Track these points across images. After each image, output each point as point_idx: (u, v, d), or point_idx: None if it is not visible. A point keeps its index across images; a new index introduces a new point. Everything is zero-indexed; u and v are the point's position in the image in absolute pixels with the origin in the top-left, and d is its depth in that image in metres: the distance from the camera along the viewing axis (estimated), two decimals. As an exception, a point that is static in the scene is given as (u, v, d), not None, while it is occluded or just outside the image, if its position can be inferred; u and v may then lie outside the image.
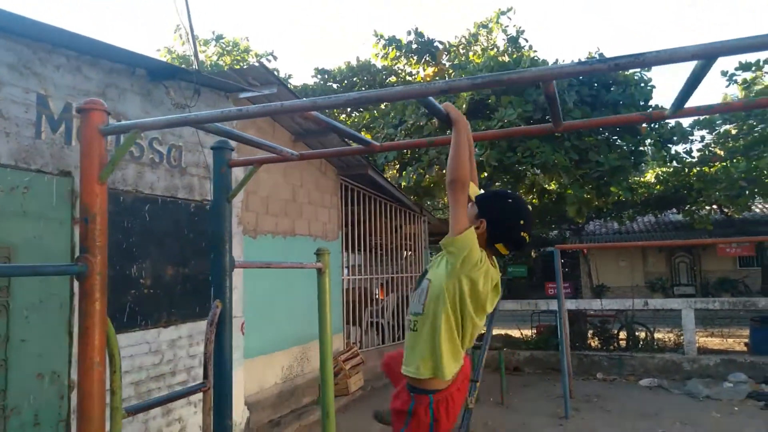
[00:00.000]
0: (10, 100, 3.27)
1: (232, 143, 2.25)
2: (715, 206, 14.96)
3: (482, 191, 2.09)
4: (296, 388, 6.65)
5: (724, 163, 11.43)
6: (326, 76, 14.36)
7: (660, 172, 18.36)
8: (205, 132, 5.14)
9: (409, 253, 10.41)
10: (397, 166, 12.74)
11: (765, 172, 10.18)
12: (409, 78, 14.59)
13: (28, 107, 3.39)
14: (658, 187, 17.91)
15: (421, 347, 1.85)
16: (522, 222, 1.90)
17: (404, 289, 9.99)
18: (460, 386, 1.93)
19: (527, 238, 1.90)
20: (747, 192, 12.12)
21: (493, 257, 1.95)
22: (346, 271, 8.75)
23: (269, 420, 6.00)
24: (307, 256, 7.17)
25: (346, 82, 14.01)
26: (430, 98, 1.64)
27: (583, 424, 5.92)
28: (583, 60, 1.06)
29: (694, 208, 17.14)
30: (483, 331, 7.73)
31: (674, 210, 22.42)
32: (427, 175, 10.57)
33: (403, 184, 10.50)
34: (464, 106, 10.11)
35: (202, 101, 4.85)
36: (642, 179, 18.70)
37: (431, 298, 1.85)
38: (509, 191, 1.98)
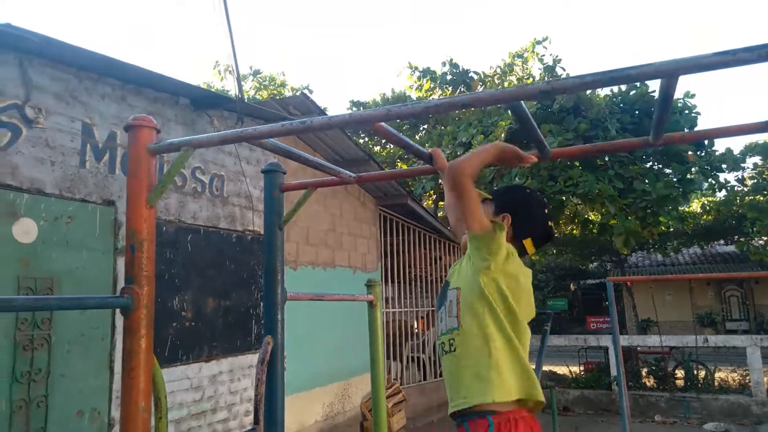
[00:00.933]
0: (56, 129, 3.23)
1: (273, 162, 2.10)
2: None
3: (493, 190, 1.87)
4: (336, 427, 6.38)
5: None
6: (361, 108, 14.43)
7: (707, 202, 17.71)
8: (247, 161, 5.09)
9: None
10: (434, 196, 12.59)
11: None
12: (445, 109, 14.52)
13: (74, 136, 3.35)
14: (705, 217, 17.25)
15: (470, 367, 1.49)
16: (546, 211, 1.71)
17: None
18: (533, 426, 1.49)
19: (553, 230, 1.70)
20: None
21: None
22: (384, 303, 8.50)
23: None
24: (348, 288, 7.01)
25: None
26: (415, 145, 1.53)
27: (647, 473, 5.45)
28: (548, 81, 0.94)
29: (747, 238, 16.35)
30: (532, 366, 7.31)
31: (722, 241, 21.56)
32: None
33: (440, 214, 10.30)
34: (503, 135, 9.94)
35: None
36: (687, 209, 18.06)
37: (466, 307, 1.53)
38: (523, 185, 1.71)
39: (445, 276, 1.73)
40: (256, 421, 1.90)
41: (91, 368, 3.36)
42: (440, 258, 9.65)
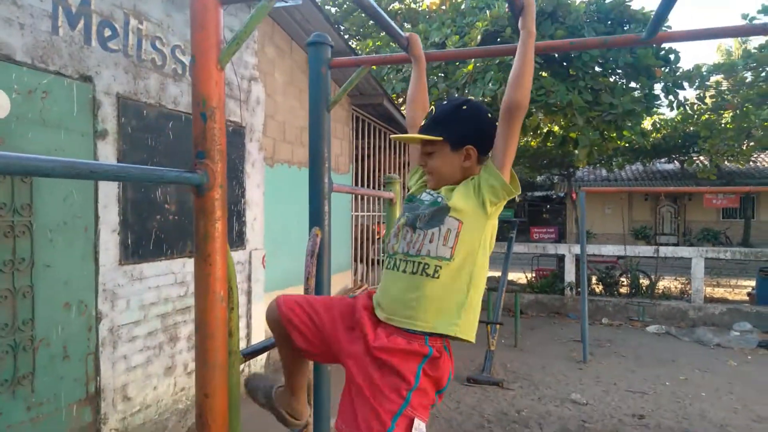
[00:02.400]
0: (24, -15, 2.74)
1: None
2: (712, 157, 14.87)
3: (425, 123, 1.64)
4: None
5: (737, 111, 11.20)
6: None
7: (658, 119, 18.19)
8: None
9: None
10: (400, 99, 12.24)
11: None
12: (414, 5, 13.83)
13: (44, -4, 2.87)
14: (655, 134, 17.78)
15: (449, 301, 1.43)
16: (491, 116, 1.55)
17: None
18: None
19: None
20: (753, 143, 12.03)
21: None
22: (353, 207, 8.42)
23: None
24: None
25: (346, 5, 13.18)
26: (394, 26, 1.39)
27: (603, 369, 5.89)
28: None
29: (695, 156, 17.03)
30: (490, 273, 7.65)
31: (663, 159, 22.50)
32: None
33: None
34: (478, 37, 9.59)
35: (227, 11, 4.31)
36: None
37: (464, 244, 1.43)
38: (456, 97, 1.62)
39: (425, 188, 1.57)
40: (307, 316, 1.80)
41: (76, 259, 3.12)
42: (409, 163, 9.54)
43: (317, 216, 1.81)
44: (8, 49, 2.70)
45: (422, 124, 1.64)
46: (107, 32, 3.26)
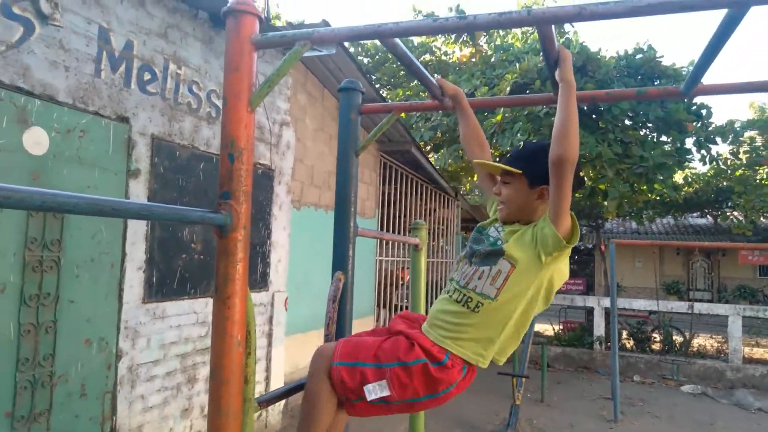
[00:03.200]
0: (71, 30, 2.88)
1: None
2: (747, 212, 14.48)
3: (499, 161, 1.72)
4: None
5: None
6: (359, 49, 13.89)
7: (689, 173, 17.92)
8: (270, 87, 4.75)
9: (442, 241, 10.03)
10: (428, 147, 12.35)
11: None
12: (444, 57, 14.10)
13: (89, 40, 3.00)
14: (687, 188, 17.48)
15: (483, 331, 1.50)
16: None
17: (433, 274, 9.64)
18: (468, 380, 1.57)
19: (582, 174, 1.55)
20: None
21: None
22: (378, 251, 8.39)
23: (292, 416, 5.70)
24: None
25: (378, 56, 13.52)
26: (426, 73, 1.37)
27: (635, 430, 5.59)
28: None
29: (729, 211, 16.64)
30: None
31: (695, 213, 22.04)
32: (465, 158, 10.18)
33: (438, 166, 10.11)
34: (507, 88, 9.69)
35: (263, 58, 4.46)
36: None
37: (511, 290, 1.48)
38: (546, 141, 1.56)
39: (441, 237, 1.61)
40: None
41: (100, 296, 3.14)
42: (434, 210, 9.53)
43: (342, 260, 1.78)
44: (52, 90, 2.80)
45: (506, 156, 1.76)
46: (147, 76, 3.38)
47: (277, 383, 4.86)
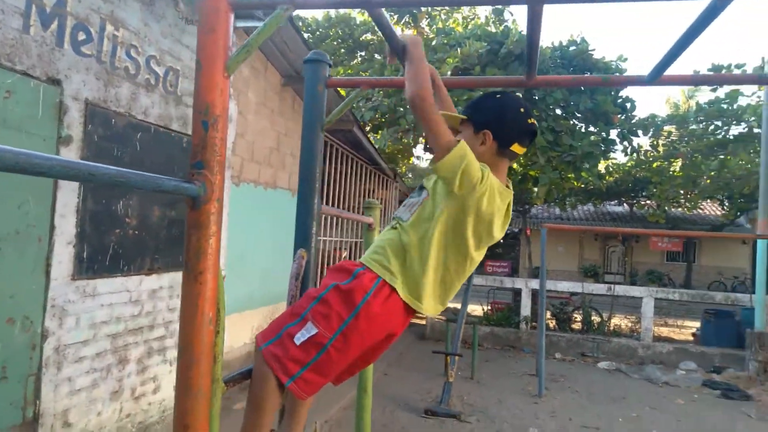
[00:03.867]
0: (-5, -21, 2.61)
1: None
2: (661, 202, 15.53)
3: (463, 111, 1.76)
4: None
5: (686, 161, 11.76)
6: (300, 24, 13.54)
7: (610, 164, 18.94)
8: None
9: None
10: (367, 127, 12.30)
11: (725, 174, 10.53)
12: (384, 38, 14.00)
13: (16, -8, 2.73)
14: (608, 177, 18.49)
15: (394, 250, 1.54)
16: (523, 110, 1.63)
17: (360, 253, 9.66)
18: (404, 322, 1.57)
19: (535, 124, 1.66)
20: (698, 191, 12.65)
21: (507, 178, 1.68)
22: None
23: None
24: (286, 211, 6.72)
25: (320, 32, 13.25)
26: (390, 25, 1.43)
27: (558, 404, 5.92)
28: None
29: (643, 201, 17.77)
30: (459, 306, 7.62)
31: (613, 201, 23.39)
32: (404, 140, 10.23)
33: (378, 146, 10.11)
34: (448, 72, 9.80)
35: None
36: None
37: (422, 214, 1.55)
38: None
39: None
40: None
41: (26, 271, 2.92)
42: (373, 191, 9.55)
43: (304, 237, 1.74)
44: (-28, 43, 2.54)
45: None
46: (81, 36, 3.13)
47: (212, 363, 4.74)
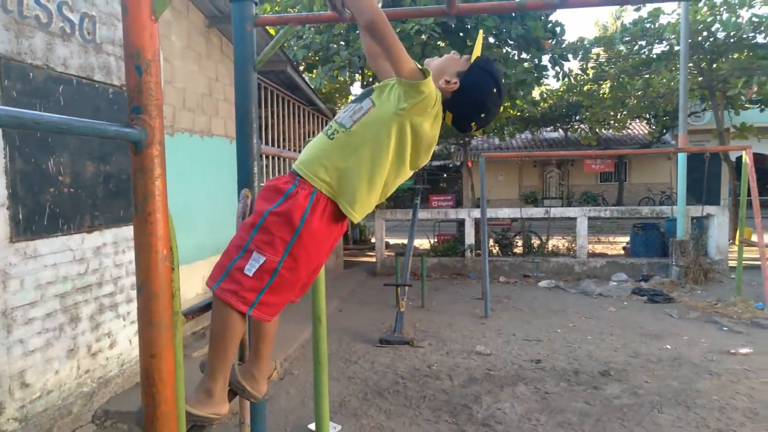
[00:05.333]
0: None
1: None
2: (592, 125, 16.13)
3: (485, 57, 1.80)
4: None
5: (614, 82, 12.19)
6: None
7: (544, 90, 19.35)
8: None
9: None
10: (301, 67, 12.00)
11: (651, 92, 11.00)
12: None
13: None
14: (542, 104, 18.95)
15: (331, 158, 1.59)
16: (483, 116, 1.73)
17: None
18: (343, 225, 1.68)
19: (473, 129, 1.76)
20: (626, 112, 13.20)
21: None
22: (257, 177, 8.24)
23: (192, 332, 5.67)
24: (225, 159, 6.63)
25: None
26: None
27: (503, 323, 6.34)
28: None
29: (576, 125, 18.36)
30: (401, 241, 7.83)
31: (549, 128, 24.09)
32: (340, 78, 10.09)
33: (313, 86, 9.94)
34: (379, 3, 9.60)
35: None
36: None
37: (366, 124, 1.59)
38: (504, 81, 1.78)
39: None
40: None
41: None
42: (313, 133, 9.46)
43: (246, 177, 1.79)
44: None
45: None
46: (-18, -17, 2.92)
47: (167, 314, 4.77)
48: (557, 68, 11.33)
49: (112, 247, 4.12)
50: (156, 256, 1.21)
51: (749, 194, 6.59)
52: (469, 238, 9.49)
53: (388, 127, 1.57)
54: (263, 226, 1.51)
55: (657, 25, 11.57)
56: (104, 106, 3.97)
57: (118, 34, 4.15)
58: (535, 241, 10.09)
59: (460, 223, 10.37)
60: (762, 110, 13.02)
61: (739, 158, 15.18)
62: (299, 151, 9.19)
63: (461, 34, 10.62)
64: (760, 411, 3.79)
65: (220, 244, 6.07)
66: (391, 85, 1.63)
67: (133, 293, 4.39)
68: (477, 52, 1.75)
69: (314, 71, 11.03)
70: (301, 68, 11.84)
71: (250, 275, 1.50)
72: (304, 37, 10.20)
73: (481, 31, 1.76)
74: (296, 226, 1.51)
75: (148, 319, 1.21)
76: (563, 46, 11.20)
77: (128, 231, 4.31)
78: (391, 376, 4.63)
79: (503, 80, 1.75)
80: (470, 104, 1.70)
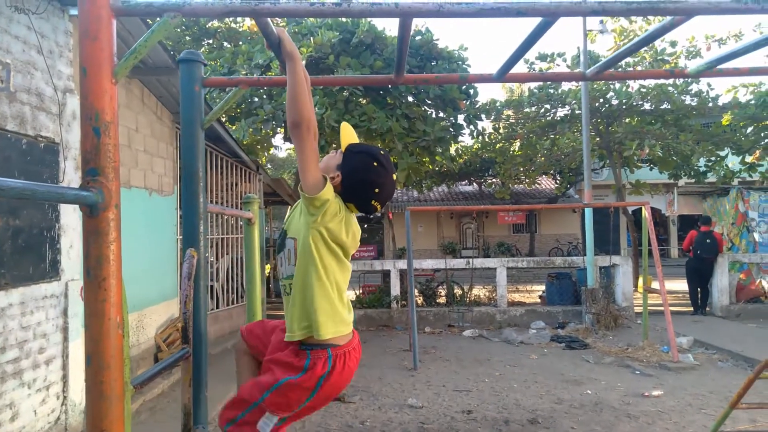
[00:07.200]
0: None
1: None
2: (505, 180, 17.04)
3: (357, 142, 1.87)
4: (131, 359, 5.90)
5: (524, 141, 13.06)
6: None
7: (459, 147, 20.33)
8: (38, 50, 4.17)
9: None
10: (223, 119, 11.87)
11: (560, 150, 11.87)
12: (234, 25, 13.61)
13: None
14: (458, 160, 19.85)
15: (298, 308, 1.68)
16: (377, 191, 1.74)
17: (238, 250, 9.48)
18: (356, 348, 1.79)
19: (378, 207, 1.79)
20: (534, 168, 14.12)
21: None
22: (178, 229, 7.95)
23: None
24: (144, 211, 6.36)
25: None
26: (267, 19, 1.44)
27: (432, 374, 6.37)
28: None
29: (490, 180, 19.34)
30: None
31: (465, 182, 25.17)
32: (264, 130, 10.08)
33: (236, 137, 9.85)
34: (303, 62, 9.82)
35: (37, 13, 3.87)
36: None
37: (302, 256, 1.67)
38: (382, 152, 1.78)
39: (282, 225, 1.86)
40: (185, 341, 1.72)
41: None
42: (236, 184, 9.32)
43: (193, 236, 1.76)
44: None
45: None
46: None
47: (76, 380, 4.40)
48: (472, 127, 11.98)
49: (18, 308, 3.79)
50: (108, 323, 1.15)
51: (649, 244, 7.17)
52: (395, 289, 9.57)
53: (312, 244, 1.64)
54: (278, 390, 1.63)
55: (560, 91, 12.63)
56: (16, 156, 3.74)
57: (35, 83, 3.98)
58: (458, 291, 10.33)
59: (385, 275, 10.44)
60: (651, 169, 14.38)
61: (635, 211, 16.59)
62: (222, 204, 9.02)
63: (381, 92, 11.03)
64: (674, 450, 4.03)
65: (132, 301, 5.69)
66: (297, 207, 1.74)
67: (41, 358, 4.03)
68: (345, 141, 1.80)
69: (236, 123, 10.96)
70: (224, 119, 11.74)
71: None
72: (227, 90, 10.18)
73: (344, 123, 1.83)
74: (313, 389, 1.63)
75: (99, 392, 1.14)
76: (477, 106, 11.91)
77: (38, 290, 3.99)
78: (322, 436, 4.49)
79: (381, 152, 1.78)
80: (359, 187, 1.73)
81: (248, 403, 1.64)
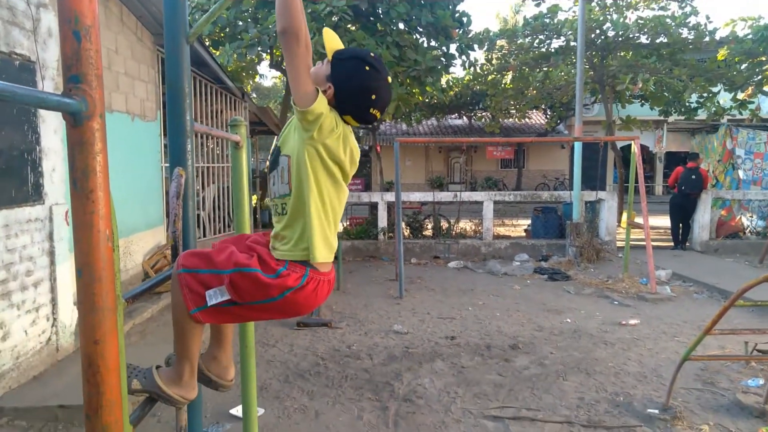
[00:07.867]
0: None
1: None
2: (495, 113, 16.86)
3: (342, 48, 1.73)
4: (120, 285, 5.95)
5: (516, 73, 12.79)
6: None
7: (450, 78, 19.92)
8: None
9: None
10: (207, 42, 11.43)
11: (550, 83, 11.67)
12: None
13: None
14: (449, 92, 19.51)
15: (294, 228, 1.61)
16: (373, 97, 1.64)
17: (224, 179, 9.40)
18: (330, 282, 1.71)
19: (378, 115, 1.69)
20: (526, 102, 13.93)
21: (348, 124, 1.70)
22: (163, 157, 7.82)
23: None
24: (127, 136, 6.22)
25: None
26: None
27: (417, 302, 6.53)
28: None
29: (480, 113, 19.13)
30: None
31: (454, 115, 24.86)
32: (248, 56, 9.75)
33: (221, 62, 9.53)
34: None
35: None
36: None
37: (297, 175, 1.59)
38: (372, 55, 1.66)
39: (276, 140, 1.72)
40: (175, 260, 1.72)
41: None
42: (221, 111, 9.10)
43: (180, 155, 1.71)
44: None
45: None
46: None
47: (65, 305, 4.45)
48: (464, 57, 11.68)
49: (3, 231, 3.76)
50: (98, 235, 1.13)
51: (636, 180, 7.22)
52: (382, 221, 9.63)
53: (308, 162, 1.56)
54: (245, 274, 1.53)
55: (555, 21, 12.27)
56: (-8, 75, 3.58)
57: (8, -5, 3.75)
58: (444, 224, 10.43)
59: (373, 207, 10.48)
60: (642, 105, 14.27)
61: (624, 148, 16.60)
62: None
63: (371, 18, 10.64)
64: (647, 375, 4.23)
65: (119, 228, 5.68)
66: (291, 123, 1.64)
67: (29, 280, 4.04)
68: (329, 48, 1.68)
69: (220, 48, 10.56)
70: (207, 44, 11.30)
71: (208, 301, 1.52)
72: (209, 10, 9.73)
73: (326, 29, 1.68)
74: (271, 297, 1.55)
75: (91, 304, 1.14)
76: (470, 36, 11.57)
77: (21, 213, 3.95)
78: (311, 358, 4.64)
79: (371, 54, 1.67)
80: (353, 96, 1.62)
81: (214, 265, 1.54)
